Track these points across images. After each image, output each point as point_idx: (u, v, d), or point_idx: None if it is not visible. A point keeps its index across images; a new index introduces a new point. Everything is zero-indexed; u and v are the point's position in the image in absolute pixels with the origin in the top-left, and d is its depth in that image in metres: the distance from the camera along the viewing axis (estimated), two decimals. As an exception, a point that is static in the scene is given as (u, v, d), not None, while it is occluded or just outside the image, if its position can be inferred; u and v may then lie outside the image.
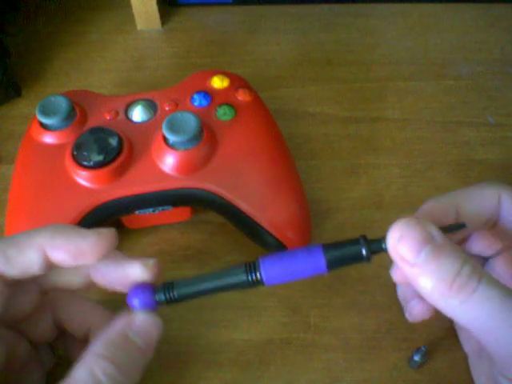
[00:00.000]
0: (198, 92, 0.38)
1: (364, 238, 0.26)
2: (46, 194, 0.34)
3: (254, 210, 0.34)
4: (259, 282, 0.27)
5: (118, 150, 0.34)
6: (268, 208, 0.34)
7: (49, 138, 0.36)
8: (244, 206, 0.34)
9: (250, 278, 0.26)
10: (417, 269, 0.24)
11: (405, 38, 0.51)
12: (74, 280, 0.28)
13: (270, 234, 0.34)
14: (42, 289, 0.29)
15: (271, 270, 0.26)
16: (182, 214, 0.38)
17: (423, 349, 0.31)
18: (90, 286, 0.29)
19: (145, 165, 0.35)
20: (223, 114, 0.37)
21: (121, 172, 0.34)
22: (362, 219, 0.39)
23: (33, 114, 0.36)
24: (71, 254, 0.26)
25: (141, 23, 0.52)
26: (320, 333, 0.34)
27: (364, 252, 0.26)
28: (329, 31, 0.51)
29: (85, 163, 0.34)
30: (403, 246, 0.24)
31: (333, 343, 0.33)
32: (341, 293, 0.35)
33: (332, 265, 0.26)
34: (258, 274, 0.26)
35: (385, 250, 0.25)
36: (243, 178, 0.35)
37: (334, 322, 0.34)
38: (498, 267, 0.29)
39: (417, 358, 0.31)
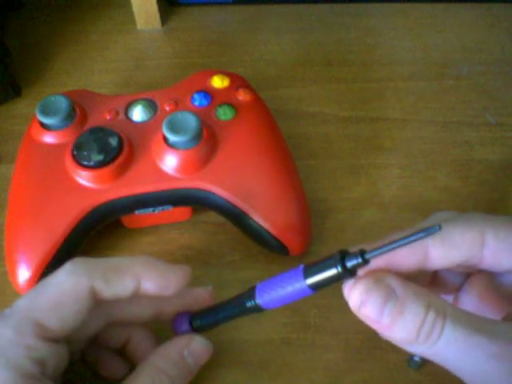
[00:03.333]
0: (198, 92, 0.38)
1: (341, 253, 0.25)
2: (46, 193, 0.34)
3: (253, 210, 0.34)
4: (260, 309, 0.28)
5: (118, 150, 0.34)
6: (268, 208, 0.34)
7: (49, 138, 0.36)
8: (244, 205, 0.34)
9: (250, 304, 0.28)
10: (383, 326, 0.24)
11: (405, 37, 0.51)
12: (143, 313, 0.31)
13: (270, 234, 0.34)
14: (111, 320, 0.30)
15: (265, 297, 0.27)
16: (182, 213, 0.38)
17: (423, 349, 0.31)
18: (153, 318, 0.31)
19: (145, 165, 0.35)
20: (223, 113, 0.37)
21: (121, 172, 0.34)
22: (362, 219, 0.39)
23: (33, 113, 0.36)
24: (160, 285, 0.29)
25: (141, 23, 0.52)
26: (320, 333, 0.34)
27: (340, 270, 0.24)
28: (329, 31, 0.51)
29: (85, 163, 0.34)
30: (365, 310, 0.24)
31: (333, 343, 0.33)
32: (341, 293, 0.35)
33: (316, 287, 0.26)
34: (255, 301, 0.28)
35: (362, 264, 0.24)
36: (243, 178, 0.35)
37: (334, 322, 0.34)
38: (478, 283, 0.28)
39: (417, 358, 0.32)
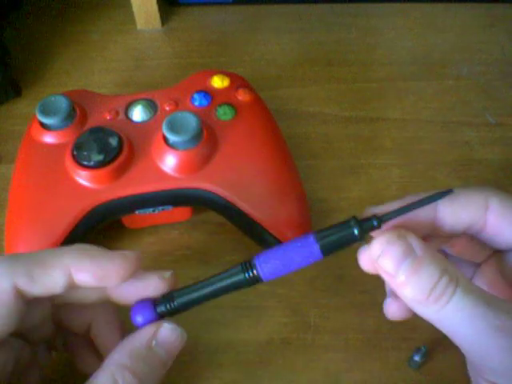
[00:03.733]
0: (198, 92, 0.38)
1: (355, 218, 0.26)
2: (46, 193, 0.34)
3: (253, 210, 0.34)
4: (257, 279, 0.27)
5: (118, 150, 0.34)
6: (268, 207, 0.34)
7: (49, 138, 0.36)
8: (244, 205, 0.34)
9: (247, 276, 0.27)
10: (398, 280, 0.24)
11: (405, 37, 0.51)
12: (89, 297, 0.28)
13: (270, 234, 0.34)
14: (55, 303, 0.29)
15: (267, 266, 0.26)
16: (182, 213, 0.38)
17: (423, 349, 0.31)
18: (104, 302, 0.29)
19: (145, 165, 0.35)
20: (223, 113, 0.37)
21: (121, 172, 0.34)
22: (362, 219, 0.39)
23: (33, 113, 0.36)
24: (96, 276, 0.26)
25: (141, 23, 0.52)
26: (320, 333, 0.34)
27: (356, 232, 0.25)
28: (329, 31, 0.51)
29: (85, 163, 0.34)
30: (384, 261, 0.25)
31: (333, 343, 0.33)
32: (341, 293, 0.35)
33: (327, 250, 0.26)
34: (254, 272, 0.26)
35: (376, 228, 0.25)
36: (243, 178, 0.35)
37: (334, 322, 0.34)
38: (487, 272, 0.29)
39: (417, 358, 0.31)
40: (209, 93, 0.38)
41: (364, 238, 0.26)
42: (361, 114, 0.45)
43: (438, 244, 0.29)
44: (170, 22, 0.53)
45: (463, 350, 0.25)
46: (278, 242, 0.35)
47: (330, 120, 0.45)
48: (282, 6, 0.54)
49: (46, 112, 0.35)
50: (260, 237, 0.35)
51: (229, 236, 0.38)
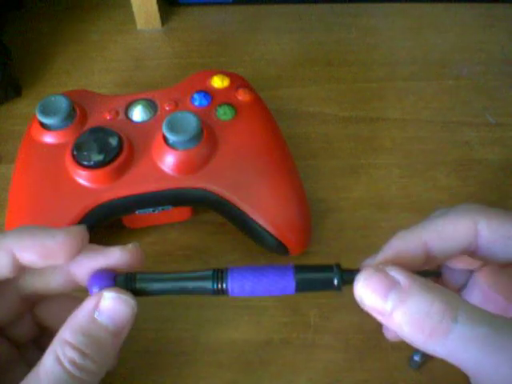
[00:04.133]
0: (198, 92, 0.38)
1: (338, 266, 0.25)
2: (46, 193, 0.34)
3: (253, 210, 0.34)
4: (224, 292, 0.26)
5: (118, 150, 0.34)
6: (268, 208, 0.34)
7: (49, 138, 0.36)
8: (244, 205, 0.34)
9: (215, 286, 0.25)
10: (388, 317, 0.23)
11: (405, 37, 0.51)
12: (52, 281, 0.27)
13: (270, 234, 0.34)
14: (22, 294, 0.28)
15: (238, 283, 0.25)
16: (182, 213, 0.38)
17: (423, 349, 0.31)
18: (71, 285, 0.28)
19: (145, 165, 0.35)
20: (223, 113, 0.37)
21: (121, 172, 0.34)
22: (362, 219, 0.39)
23: (33, 113, 0.36)
24: (40, 254, 0.25)
25: (141, 23, 0.52)
26: (320, 333, 0.34)
27: (335, 282, 0.25)
28: (329, 31, 0.51)
29: (85, 163, 0.34)
30: (369, 299, 0.23)
31: (333, 343, 0.33)
32: (341, 293, 0.35)
33: (301, 288, 0.25)
34: (224, 284, 0.25)
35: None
36: (243, 178, 0.35)
37: (334, 322, 0.34)
38: (482, 280, 0.28)
39: (417, 358, 0.32)
40: (209, 93, 0.38)
41: (341, 289, 0.25)
42: (361, 114, 0.45)
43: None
44: (170, 21, 0.53)
45: (480, 382, 0.22)
46: (278, 241, 0.35)
47: (330, 120, 0.45)
48: (282, 6, 0.54)
49: (46, 112, 0.35)
50: (259, 237, 0.35)
51: (229, 236, 0.38)
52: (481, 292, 0.28)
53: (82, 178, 0.34)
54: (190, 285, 0.26)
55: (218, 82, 0.38)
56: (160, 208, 0.35)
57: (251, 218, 0.34)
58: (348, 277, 0.25)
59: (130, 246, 0.27)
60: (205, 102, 0.37)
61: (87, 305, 0.25)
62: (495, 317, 0.22)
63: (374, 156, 0.42)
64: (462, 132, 0.43)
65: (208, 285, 0.26)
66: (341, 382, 0.32)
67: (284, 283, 0.25)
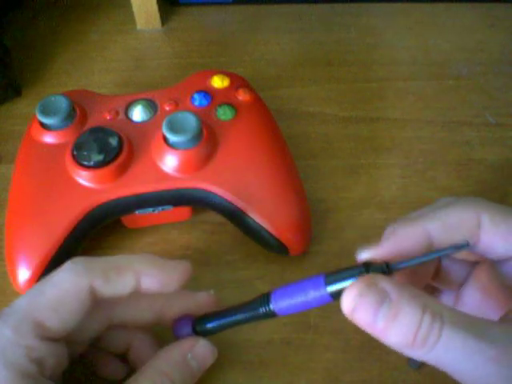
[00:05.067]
0: (198, 92, 0.38)
1: (366, 265, 0.25)
2: (46, 193, 0.34)
3: (253, 210, 0.34)
4: (273, 315, 0.28)
5: (118, 150, 0.34)
6: (268, 207, 0.34)
7: (49, 138, 0.36)
8: (244, 205, 0.34)
9: (264, 310, 0.27)
10: (378, 329, 0.23)
11: (405, 37, 0.51)
12: (143, 316, 0.30)
13: (270, 234, 0.34)
14: (111, 321, 0.30)
15: (281, 304, 0.27)
16: (181, 213, 0.38)
17: (423, 349, 0.31)
18: (155, 322, 0.31)
19: (145, 164, 0.35)
20: (223, 113, 0.37)
21: (121, 172, 0.34)
22: (362, 219, 0.39)
23: (33, 113, 0.36)
24: (162, 282, 0.28)
25: (141, 23, 0.52)
26: (320, 333, 0.34)
27: None
28: (329, 31, 0.51)
29: (85, 163, 0.34)
30: (359, 314, 0.24)
31: (333, 343, 0.33)
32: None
33: (336, 296, 0.25)
34: (270, 307, 0.27)
35: (388, 273, 0.25)
36: (243, 178, 0.35)
37: (334, 322, 0.34)
38: (482, 274, 0.28)
39: (417, 358, 0.31)
40: (209, 93, 0.38)
41: None
42: (361, 114, 0.45)
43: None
44: (170, 21, 0.53)
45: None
46: (278, 241, 0.35)
47: (330, 120, 0.45)
48: (282, 6, 0.54)
49: (46, 112, 0.35)
50: (259, 237, 0.35)
51: (229, 236, 0.38)
52: (479, 289, 0.28)
53: (82, 177, 0.34)
54: (248, 316, 0.29)
55: (218, 82, 0.38)
56: (160, 208, 0.35)
57: (251, 218, 0.34)
58: (377, 271, 0.25)
59: (212, 292, 0.32)
60: (205, 102, 0.37)
61: (184, 345, 0.30)
62: (476, 321, 0.23)
63: (374, 156, 0.42)
64: (462, 132, 0.43)
65: (260, 311, 0.28)
66: (341, 382, 0.32)
67: (320, 295, 0.26)
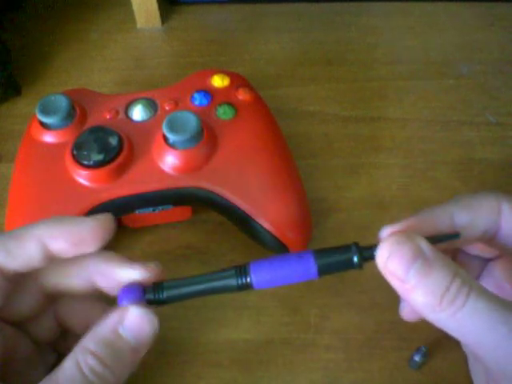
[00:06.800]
0: (199, 91, 0.38)
1: (356, 244, 0.26)
2: (45, 193, 0.34)
3: (254, 210, 0.34)
4: (248, 286, 0.26)
5: (118, 149, 0.34)
6: (268, 207, 0.34)
7: (49, 137, 0.36)
8: (244, 205, 0.34)
9: (239, 281, 0.26)
10: (407, 285, 0.24)
11: (405, 37, 0.51)
12: (75, 283, 0.28)
13: (270, 234, 0.34)
14: (44, 291, 0.29)
15: (261, 275, 0.26)
16: (182, 213, 0.38)
17: (423, 349, 0.31)
18: (92, 292, 0.28)
19: (145, 164, 0.35)
20: (223, 113, 0.37)
21: (121, 171, 0.34)
22: (362, 219, 0.39)
23: (33, 113, 0.36)
24: (70, 241, 0.26)
25: (141, 22, 0.52)
26: (320, 333, 0.34)
27: (355, 259, 0.25)
28: (329, 30, 0.51)
29: (85, 162, 0.34)
30: (392, 264, 0.24)
31: (333, 343, 0.33)
32: (340, 293, 0.35)
33: (323, 271, 0.26)
34: (247, 278, 0.26)
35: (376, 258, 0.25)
36: (243, 178, 0.35)
37: (334, 322, 0.34)
38: (496, 271, 0.29)
39: (417, 358, 0.31)
40: (209, 92, 0.38)
41: (363, 266, 0.26)
42: (361, 114, 0.45)
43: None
44: (170, 20, 0.53)
45: (481, 358, 0.24)
46: (278, 241, 0.34)
47: (330, 119, 0.44)
48: (281, 5, 0.53)
49: (45, 111, 0.35)
50: (260, 236, 0.35)
51: (229, 236, 0.38)
52: (494, 283, 0.29)
53: (82, 177, 0.34)
54: (216, 284, 0.27)
55: (218, 82, 0.38)
56: (160, 207, 0.35)
57: (251, 218, 0.34)
58: (367, 253, 0.25)
59: (151, 264, 0.28)
60: (205, 102, 0.37)
61: (113, 317, 0.26)
62: (501, 298, 0.23)
63: (375, 155, 0.42)
64: (463, 131, 0.43)
65: (233, 282, 0.26)
66: (341, 382, 0.32)
67: (306, 269, 0.26)
